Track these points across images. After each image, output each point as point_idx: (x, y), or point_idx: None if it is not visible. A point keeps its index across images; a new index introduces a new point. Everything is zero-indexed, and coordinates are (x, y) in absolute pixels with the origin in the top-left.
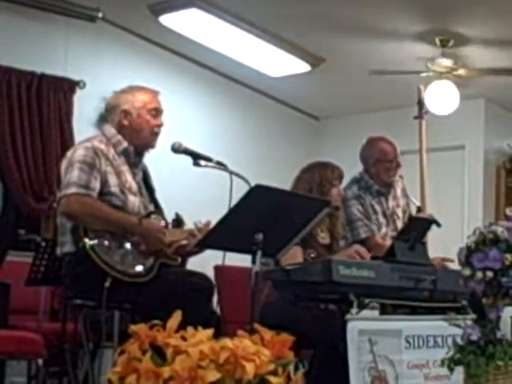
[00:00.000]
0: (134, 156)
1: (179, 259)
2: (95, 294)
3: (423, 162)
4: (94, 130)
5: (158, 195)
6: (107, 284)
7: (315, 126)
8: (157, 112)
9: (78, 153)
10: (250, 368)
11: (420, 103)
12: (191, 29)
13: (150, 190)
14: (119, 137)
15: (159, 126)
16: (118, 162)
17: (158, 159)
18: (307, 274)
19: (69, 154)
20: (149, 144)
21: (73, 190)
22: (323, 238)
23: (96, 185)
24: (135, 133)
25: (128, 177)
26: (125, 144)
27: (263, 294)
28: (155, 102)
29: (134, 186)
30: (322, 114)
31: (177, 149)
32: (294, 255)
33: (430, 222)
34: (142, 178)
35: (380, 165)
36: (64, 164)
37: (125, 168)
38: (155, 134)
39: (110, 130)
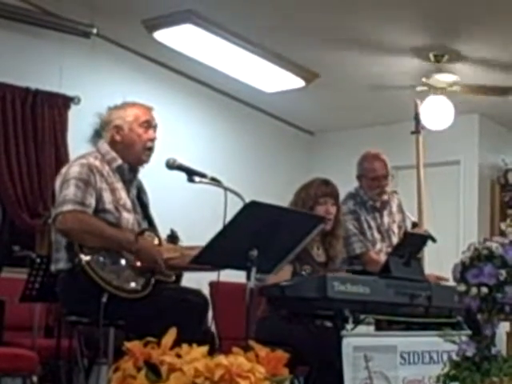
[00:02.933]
0: (129, 173)
1: (174, 276)
2: (90, 310)
3: (420, 177)
4: (88, 146)
5: (153, 211)
6: (104, 299)
7: (310, 141)
8: (148, 125)
9: (73, 169)
10: None
11: (417, 118)
12: (186, 44)
13: (144, 207)
14: (114, 154)
15: (152, 139)
16: (113, 178)
17: (152, 175)
18: (302, 291)
19: (64, 170)
20: (141, 159)
21: (69, 207)
22: (318, 255)
23: (91, 202)
24: (127, 148)
25: (122, 194)
26: (119, 161)
27: (259, 310)
28: (147, 115)
29: (129, 203)
30: (317, 128)
31: (171, 165)
32: (280, 274)
33: (425, 238)
34: (136, 195)
35: (363, 180)
36: (59, 180)
37: (119, 185)
38: (148, 149)
39: (105, 146)
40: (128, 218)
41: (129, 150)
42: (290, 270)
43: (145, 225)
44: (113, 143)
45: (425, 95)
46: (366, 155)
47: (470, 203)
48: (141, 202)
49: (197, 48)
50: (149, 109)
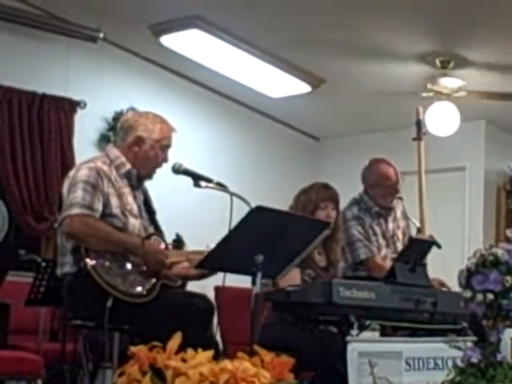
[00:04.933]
0: (136, 179)
1: (179, 281)
2: (95, 314)
3: (422, 183)
4: (94, 150)
5: (159, 216)
6: (109, 304)
7: (316, 147)
8: (167, 149)
9: (81, 173)
10: None
11: (418, 124)
12: (192, 49)
13: (150, 213)
14: (123, 159)
15: (165, 161)
16: (120, 183)
17: (158, 180)
18: (307, 296)
19: (71, 173)
20: (149, 175)
21: (76, 210)
22: (320, 260)
23: (99, 206)
24: (141, 161)
25: (129, 199)
26: (128, 166)
27: (263, 315)
28: (170, 140)
29: (135, 209)
30: (323, 134)
31: (177, 170)
32: (292, 277)
33: (430, 244)
34: (143, 201)
35: (378, 189)
36: (67, 183)
37: (126, 190)
38: (158, 167)
39: (114, 151)
40: (134, 223)
41: (142, 163)
42: (300, 273)
43: (151, 230)
44: (129, 151)
45: (431, 101)
46: (377, 163)
47: (476, 209)
48: (147, 208)
49: (203, 53)
50: (173, 131)
